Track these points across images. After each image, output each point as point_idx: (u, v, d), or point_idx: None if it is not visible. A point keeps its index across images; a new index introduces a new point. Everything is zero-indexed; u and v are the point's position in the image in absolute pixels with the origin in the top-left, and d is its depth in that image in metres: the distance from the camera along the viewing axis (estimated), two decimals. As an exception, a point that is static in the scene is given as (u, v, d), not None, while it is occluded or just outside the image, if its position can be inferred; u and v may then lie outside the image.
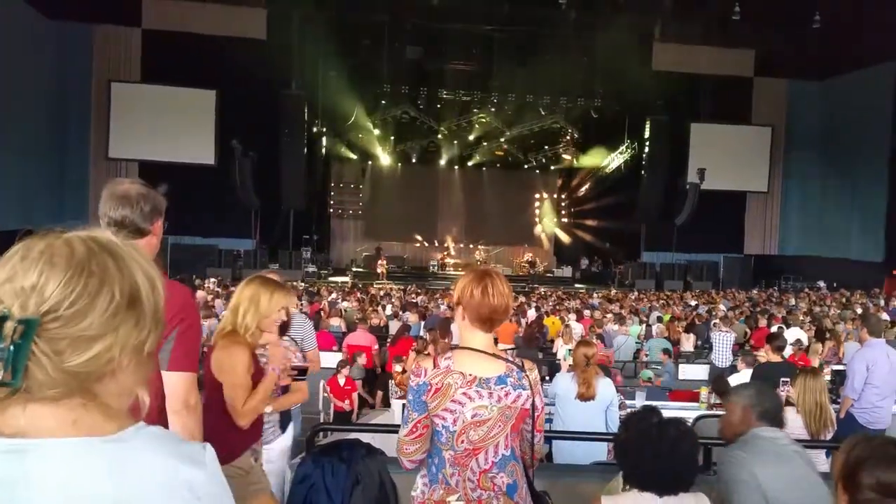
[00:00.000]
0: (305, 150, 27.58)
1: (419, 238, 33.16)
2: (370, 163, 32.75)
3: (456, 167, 33.20)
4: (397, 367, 9.11)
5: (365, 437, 4.19)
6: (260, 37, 25.63)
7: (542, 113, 29.76)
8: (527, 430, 2.45)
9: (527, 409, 2.38)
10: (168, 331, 2.27)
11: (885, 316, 14.53)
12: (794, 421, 4.56)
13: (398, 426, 2.55)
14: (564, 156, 33.44)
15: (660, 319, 14.87)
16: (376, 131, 30.42)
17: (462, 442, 2.32)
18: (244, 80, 24.18)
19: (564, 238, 34.97)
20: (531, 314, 15.44)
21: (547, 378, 7.25)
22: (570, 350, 7.93)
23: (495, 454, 2.33)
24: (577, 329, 12.69)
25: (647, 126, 28.70)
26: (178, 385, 2.32)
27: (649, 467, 2.39)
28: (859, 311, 15.81)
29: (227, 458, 3.06)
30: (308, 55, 25.61)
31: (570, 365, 5.82)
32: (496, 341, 8.63)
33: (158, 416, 2.34)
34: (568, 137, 31.97)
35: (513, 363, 2.40)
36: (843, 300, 19.88)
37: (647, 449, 2.40)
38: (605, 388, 5.16)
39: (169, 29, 25.59)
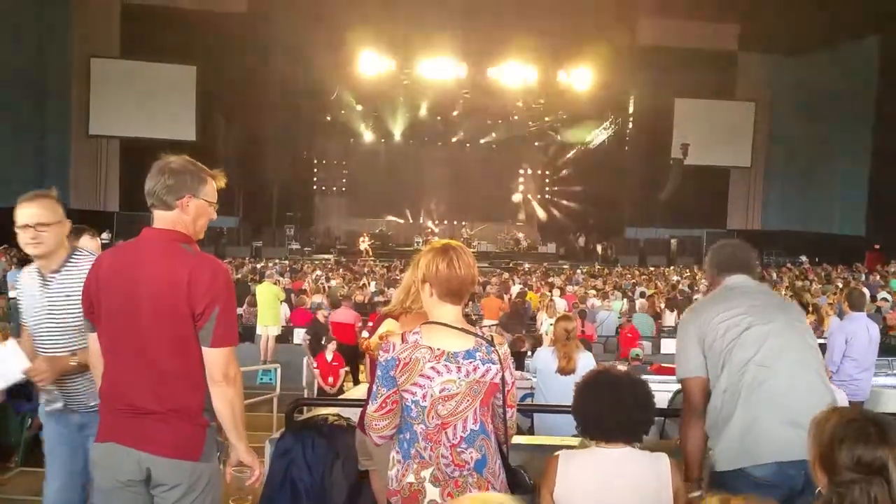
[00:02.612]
0: (288, 125, 27.33)
1: (403, 215, 33.04)
2: (354, 139, 32.46)
3: (440, 143, 32.95)
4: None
5: (345, 413, 4.19)
6: (240, 10, 25.29)
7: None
8: (498, 405, 2.43)
9: (496, 383, 2.36)
10: (209, 311, 2.35)
11: (865, 290, 14.65)
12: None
13: None
14: (549, 132, 33.27)
15: (643, 295, 14.94)
16: (360, 107, 30.10)
17: (432, 417, 2.31)
18: (225, 54, 23.89)
19: (549, 214, 34.92)
20: (514, 290, 15.44)
21: (530, 353, 7.26)
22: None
23: (464, 429, 2.32)
24: (561, 305, 12.73)
25: (632, 101, 28.64)
26: (219, 359, 2.39)
27: (606, 417, 2.45)
28: (840, 285, 15.95)
29: None
30: (289, 28, 25.23)
31: (551, 339, 5.83)
32: (482, 318, 8.66)
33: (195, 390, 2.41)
34: (552, 113, 31.77)
35: (482, 338, 2.38)
36: (825, 275, 20.05)
37: (603, 400, 2.47)
38: (585, 361, 5.18)
39: (148, 2, 25.24)
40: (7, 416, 6.26)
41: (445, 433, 2.31)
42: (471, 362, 2.32)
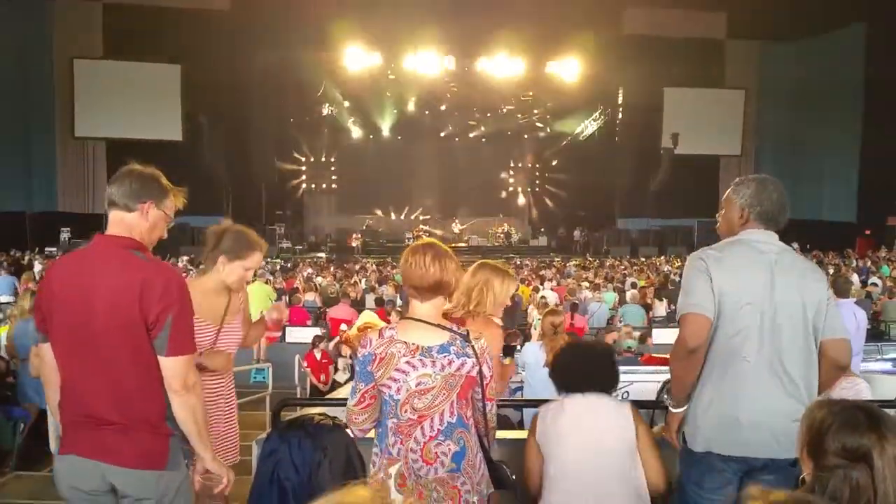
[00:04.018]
0: (275, 123, 27.19)
1: (394, 211, 33.01)
2: (342, 135, 32.35)
3: (428, 138, 32.86)
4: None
5: (335, 411, 4.16)
6: (223, 7, 25.16)
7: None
8: (477, 399, 2.46)
9: (473, 377, 2.37)
10: (162, 319, 2.31)
11: (854, 276, 14.73)
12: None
13: None
14: (538, 124, 33.26)
15: (634, 286, 14.96)
16: (347, 103, 29.97)
17: (406, 410, 2.34)
18: (209, 52, 23.75)
19: (540, 207, 34.94)
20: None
21: (519, 348, 7.24)
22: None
23: (441, 422, 2.34)
24: (552, 298, 12.73)
25: (620, 92, 28.65)
26: (176, 368, 2.35)
27: (577, 374, 2.91)
28: (832, 272, 15.99)
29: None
30: (273, 25, 25.07)
31: (539, 333, 5.83)
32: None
33: (154, 399, 2.37)
34: (541, 105, 31.74)
35: (457, 332, 2.40)
36: (817, 262, 20.09)
37: (573, 360, 2.98)
38: (573, 354, 5.16)
39: (130, 2, 25.06)
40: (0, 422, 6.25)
41: (421, 427, 2.33)
42: (445, 356, 2.34)
